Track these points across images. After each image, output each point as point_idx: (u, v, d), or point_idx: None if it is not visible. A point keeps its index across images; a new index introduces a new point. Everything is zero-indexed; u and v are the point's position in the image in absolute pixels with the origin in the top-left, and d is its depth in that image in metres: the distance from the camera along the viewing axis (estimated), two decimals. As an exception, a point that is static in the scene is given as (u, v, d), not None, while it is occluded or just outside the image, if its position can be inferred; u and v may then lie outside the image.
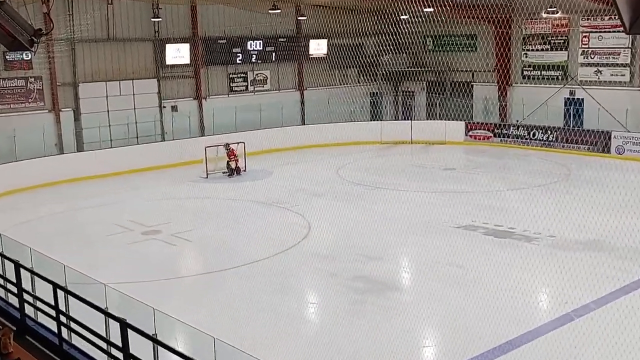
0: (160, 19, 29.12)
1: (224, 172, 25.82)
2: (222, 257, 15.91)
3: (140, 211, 20.94)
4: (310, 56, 34.47)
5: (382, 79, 35.85)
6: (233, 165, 25.82)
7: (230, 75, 32.51)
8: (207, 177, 25.41)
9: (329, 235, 17.49)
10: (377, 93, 36.35)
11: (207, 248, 17.24)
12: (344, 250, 16.12)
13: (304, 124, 34.01)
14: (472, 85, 34.71)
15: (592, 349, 10.12)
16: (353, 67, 34.87)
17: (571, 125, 30.49)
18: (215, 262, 15.60)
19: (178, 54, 29.95)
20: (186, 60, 30.29)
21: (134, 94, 29.16)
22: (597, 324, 11.07)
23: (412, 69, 35.90)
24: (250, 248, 16.46)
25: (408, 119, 33.93)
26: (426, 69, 35.57)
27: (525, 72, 32.93)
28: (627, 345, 10.04)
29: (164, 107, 30.28)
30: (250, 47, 32.43)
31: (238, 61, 32.28)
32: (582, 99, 30.80)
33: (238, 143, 26.17)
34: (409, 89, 36.58)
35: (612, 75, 29.70)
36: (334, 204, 20.85)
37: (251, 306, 12.52)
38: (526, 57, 32.55)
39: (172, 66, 30.11)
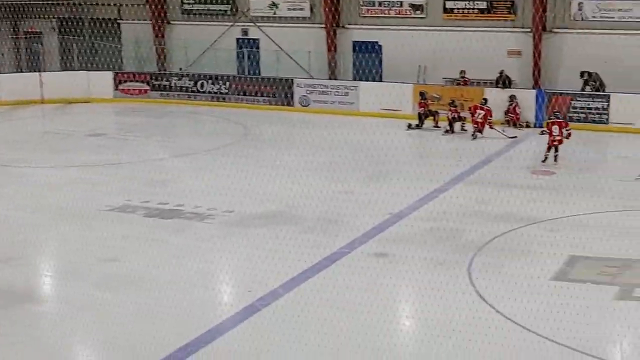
0: None
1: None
2: None
3: None
4: None
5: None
6: None
7: None
8: None
9: None
10: (-13, 35, 34.48)
11: None
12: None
13: None
14: (118, 24, 34.65)
15: (279, 340, 10.97)
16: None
17: (246, 73, 32.15)
18: None
19: None
20: None
21: None
22: (286, 311, 11.99)
23: (35, 1, 34.63)
24: None
25: (35, 71, 32.77)
26: (55, 1, 34.56)
27: (185, 6, 33.77)
28: (317, 332, 11.09)
29: None
30: None
31: None
32: (258, 40, 32.60)
33: None
34: (34, 29, 35.28)
35: (289, 9, 31.85)
36: None
37: None
38: (185, -14, 33.42)
39: None
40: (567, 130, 21.87)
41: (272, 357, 10.68)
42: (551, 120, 22.36)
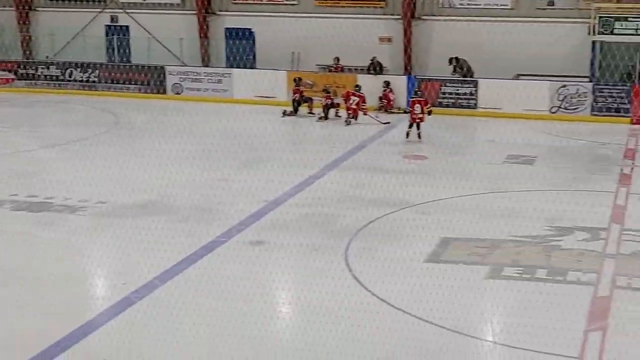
0: None
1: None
2: None
3: None
4: None
5: None
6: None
7: None
8: None
9: None
10: None
11: None
12: None
13: None
14: (-20, 10, 33.43)
15: (155, 332, 10.85)
16: None
17: (116, 61, 31.59)
18: None
19: None
20: None
21: None
22: (161, 303, 11.86)
23: None
24: None
25: None
26: None
27: (51, -7, 32.91)
28: (193, 322, 11.03)
29: None
30: None
31: None
32: (128, 27, 32.06)
33: None
34: None
35: (160, -5, 31.49)
36: None
37: None
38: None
39: None
40: (427, 108, 22.70)
41: (147, 350, 10.55)
42: (413, 99, 23.15)
